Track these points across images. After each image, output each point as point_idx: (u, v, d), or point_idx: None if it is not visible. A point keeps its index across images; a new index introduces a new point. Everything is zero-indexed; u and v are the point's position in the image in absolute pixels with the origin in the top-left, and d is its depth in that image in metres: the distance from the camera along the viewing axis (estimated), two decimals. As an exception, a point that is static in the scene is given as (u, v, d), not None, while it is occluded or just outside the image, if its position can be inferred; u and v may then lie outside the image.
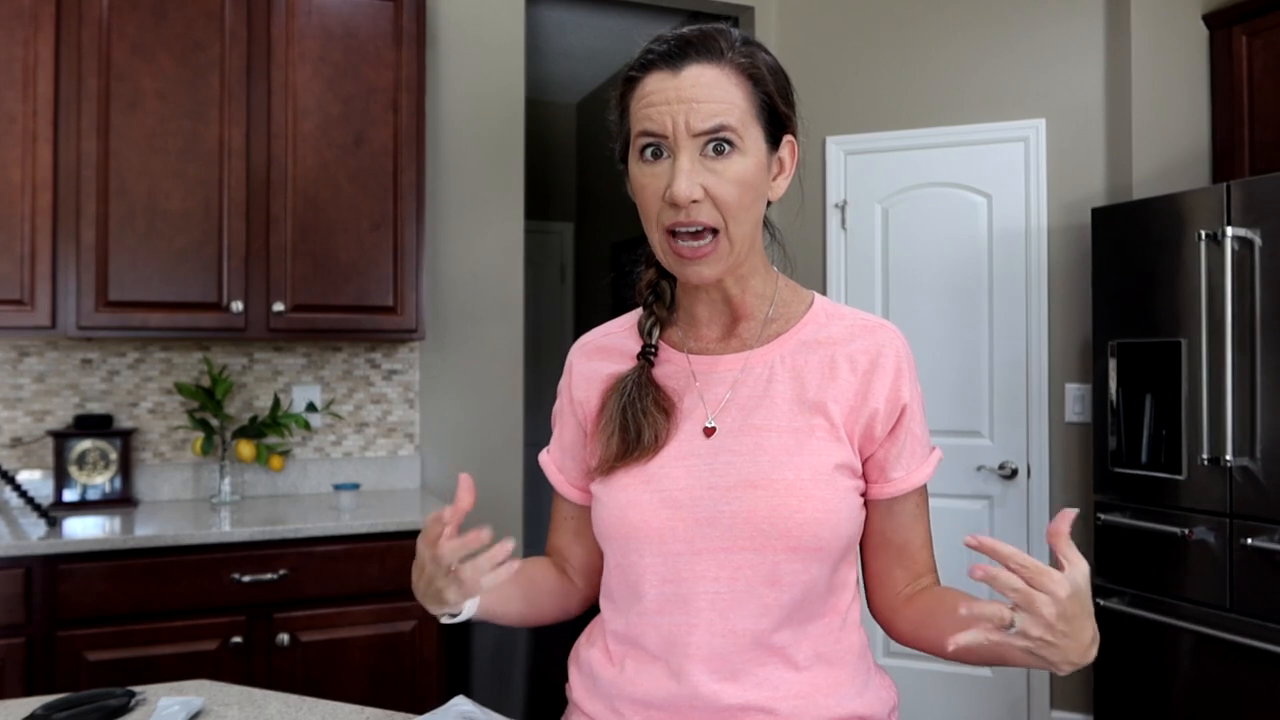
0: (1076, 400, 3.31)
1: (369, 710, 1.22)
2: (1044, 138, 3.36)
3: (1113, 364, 3.01)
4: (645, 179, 0.99)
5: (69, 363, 2.85)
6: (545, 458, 1.20)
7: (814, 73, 3.69)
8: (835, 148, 3.63)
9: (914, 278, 3.53)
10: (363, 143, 2.85)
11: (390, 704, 2.55)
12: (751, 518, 0.98)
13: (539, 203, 5.74)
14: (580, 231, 5.83)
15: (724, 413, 1.04)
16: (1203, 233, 2.69)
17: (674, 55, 0.97)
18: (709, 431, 1.04)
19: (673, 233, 0.98)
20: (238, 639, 2.41)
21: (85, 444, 2.76)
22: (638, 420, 1.04)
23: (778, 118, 1.01)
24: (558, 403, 1.19)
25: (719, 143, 0.95)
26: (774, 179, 1.04)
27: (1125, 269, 2.96)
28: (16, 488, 2.53)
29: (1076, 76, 3.34)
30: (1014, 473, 3.38)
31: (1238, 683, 2.60)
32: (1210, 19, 3.21)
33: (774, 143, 1.02)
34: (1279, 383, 2.52)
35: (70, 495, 2.73)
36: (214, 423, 2.93)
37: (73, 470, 2.74)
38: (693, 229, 0.97)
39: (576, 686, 1.13)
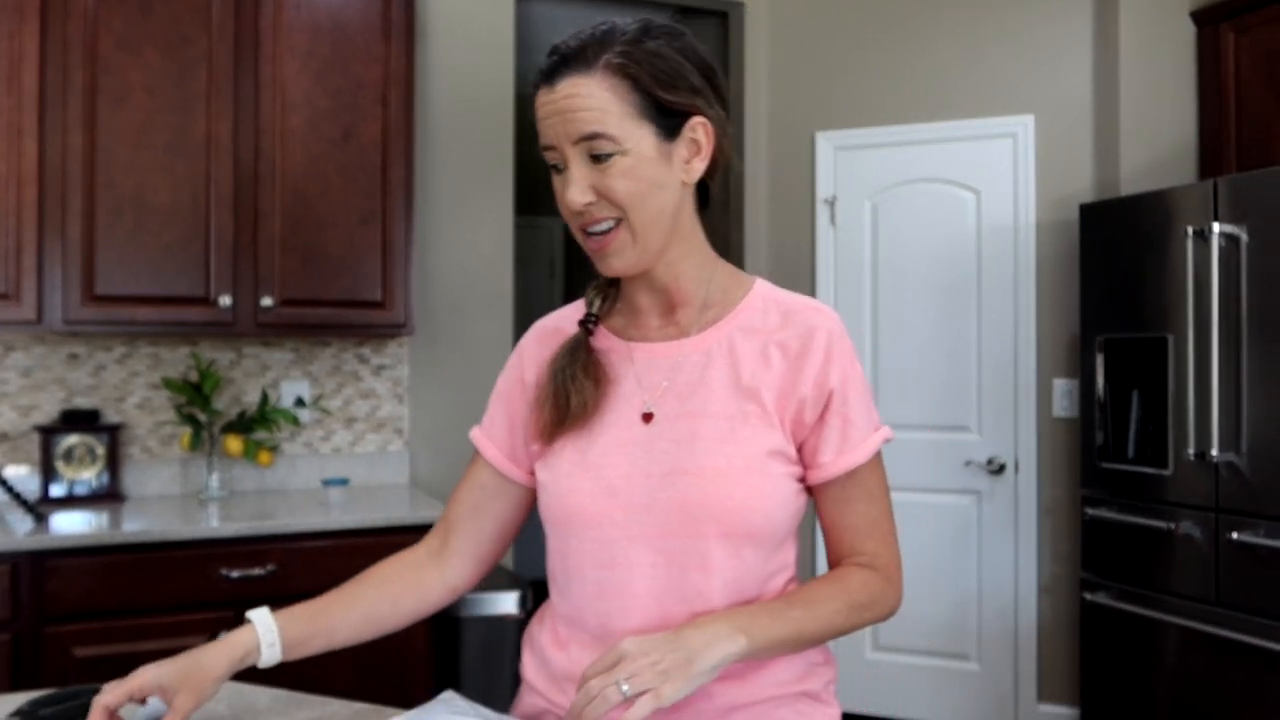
0: (1064, 395, 3.33)
1: (358, 704, 1.22)
2: (1033, 134, 3.37)
3: (1100, 359, 3.02)
4: (557, 185, 1.05)
5: (55, 357, 2.84)
6: (478, 433, 1.21)
7: (804, 68, 3.69)
8: (825, 143, 3.63)
9: (903, 273, 3.54)
10: (351, 137, 2.84)
11: (380, 698, 2.55)
12: (685, 504, 1.01)
13: (528, 197, 5.73)
14: (569, 226, 5.82)
15: (662, 399, 1.07)
16: (1190, 229, 2.70)
17: (551, 71, 1.01)
18: (647, 418, 1.07)
19: (584, 231, 1.04)
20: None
21: (72, 439, 2.74)
22: (566, 386, 1.08)
23: (667, 108, 1.02)
24: (503, 383, 1.20)
25: (598, 151, 1.00)
26: (687, 163, 1.05)
27: (1113, 265, 2.97)
28: (3, 483, 2.51)
29: (1065, 73, 3.35)
30: (1002, 468, 3.39)
31: (1223, 676, 2.62)
32: (1198, 16, 3.22)
33: (670, 132, 1.02)
34: (1265, 378, 2.54)
35: (57, 491, 2.72)
36: (202, 418, 2.92)
37: (60, 466, 2.72)
38: (599, 228, 1.02)
39: (529, 666, 1.16)
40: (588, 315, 1.13)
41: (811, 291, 3.66)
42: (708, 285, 1.11)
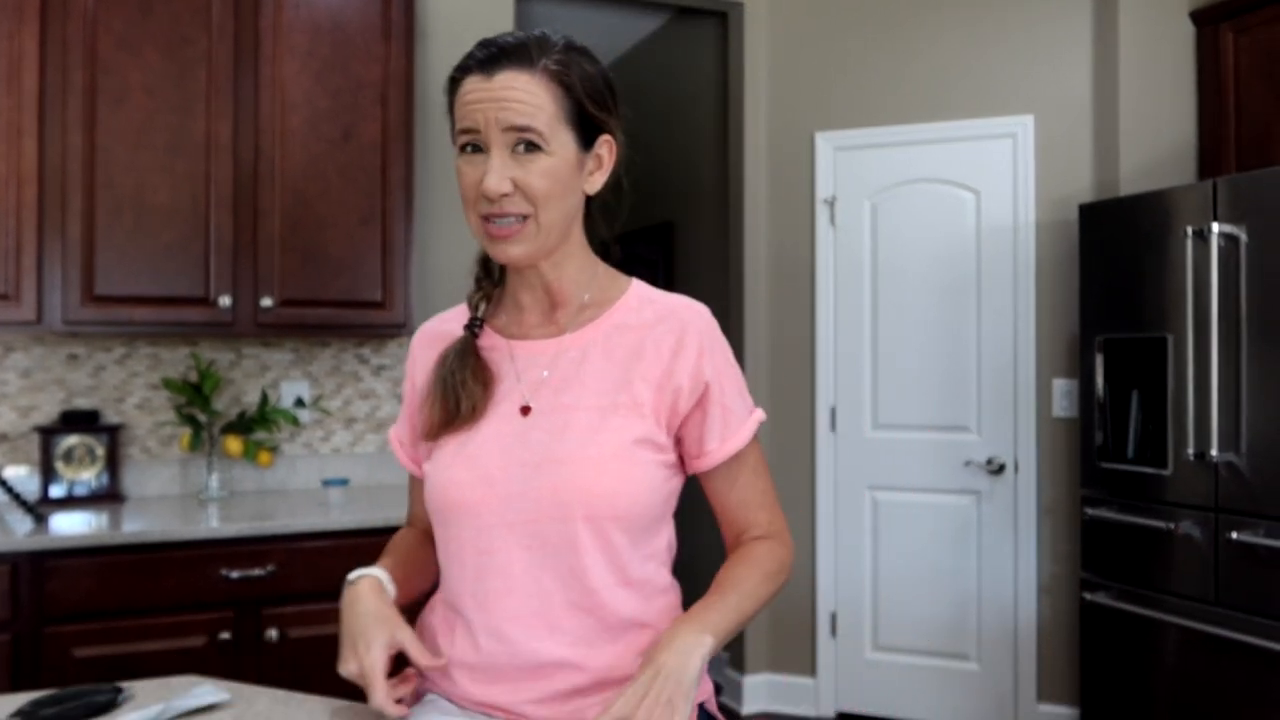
0: (1064, 395, 3.33)
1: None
2: (1032, 134, 3.37)
3: (1100, 359, 3.03)
4: (465, 169, 1.08)
5: (55, 358, 2.84)
6: (393, 435, 1.31)
7: (803, 69, 3.69)
8: (824, 144, 3.64)
9: (903, 273, 3.54)
10: (351, 137, 2.84)
11: (379, 699, 2.55)
12: (555, 490, 1.08)
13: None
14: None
15: (538, 393, 1.13)
16: (1189, 229, 2.70)
17: (489, 61, 1.06)
18: (525, 410, 1.13)
19: (486, 217, 1.09)
20: (226, 635, 2.41)
21: (72, 440, 2.74)
22: (456, 390, 1.14)
23: (589, 121, 1.10)
24: (404, 384, 1.28)
25: (526, 143, 1.05)
26: (590, 174, 1.13)
27: (1112, 265, 2.97)
28: (3, 484, 2.51)
29: (1065, 73, 3.35)
30: (1001, 468, 3.40)
31: (1222, 676, 2.62)
32: (1197, 16, 3.22)
33: (587, 143, 1.11)
34: (1264, 378, 2.54)
35: (57, 491, 2.72)
36: (202, 418, 2.92)
37: (59, 466, 2.72)
38: (506, 221, 1.07)
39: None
40: (472, 319, 1.19)
41: (811, 292, 3.66)
42: (588, 286, 1.18)
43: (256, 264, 2.74)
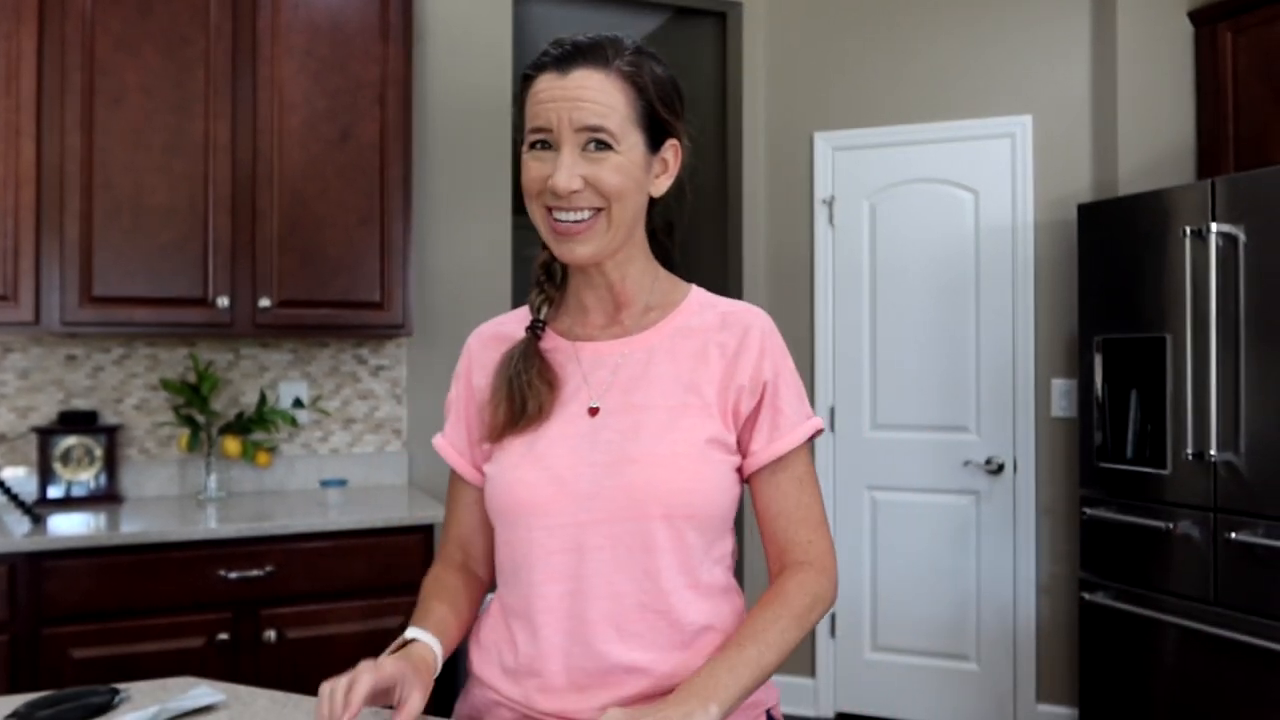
0: (1063, 395, 3.33)
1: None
2: (1031, 134, 3.37)
3: (1098, 359, 3.02)
4: (531, 164, 1.09)
5: (53, 359, 2.83)
6: (442, 441, 1.25)
7: (802, 68, 3.69)
8: (823, 144, 3.63)
9: (901, 273, 3.54)
10: (349, 137, 2.84)
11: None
12: (629, 490, 1.06)
13: (527, 198, 5.73)
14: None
15: (607, 394, 1.13)
16: (1188, 229, 2.70)
17: (564, 59, 1.07)
18: (593, 412, 1.12)
19: (550, 210, 1.08)
20: (224, 636, 2.40)
21: (70, 440, 2.74)
22: (523, 390, 1.12)
23: (659, 123, 1.11)
24: (454, 389, 1.25)
25: (597, 142, 1.05)
26: (656, 178, 1.14)
27: (1111, 265, 2.97)
28: (1, 485, 2.51)
29: (1063, 73, 3.35)
30: (1000, 468, 3.40)
31: (1221, 676, 2.62)
32: (1195, 16, 3.22)
33: (655, 145, 1.11)
34: (1263, 378, 2.54)
35: (55, 492, 2.71)
36: (200, 419, 2.92)
37: (57, 467, 2.72)
38: (575, 215, 1.07)
39: (477, 662, 1.18)
40: (535, 321, 1.18)
41: (810, 292, 3.66)
42: (650, 289, 1.18)
43: (255, 264, 2.74)
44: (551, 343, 1.18)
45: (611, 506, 1.07)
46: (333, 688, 0.96)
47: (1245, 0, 3.03)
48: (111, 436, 2.79)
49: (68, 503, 2.72)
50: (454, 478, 1.25)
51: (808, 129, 3.67)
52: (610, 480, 1.07)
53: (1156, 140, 3.24)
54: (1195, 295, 2.70)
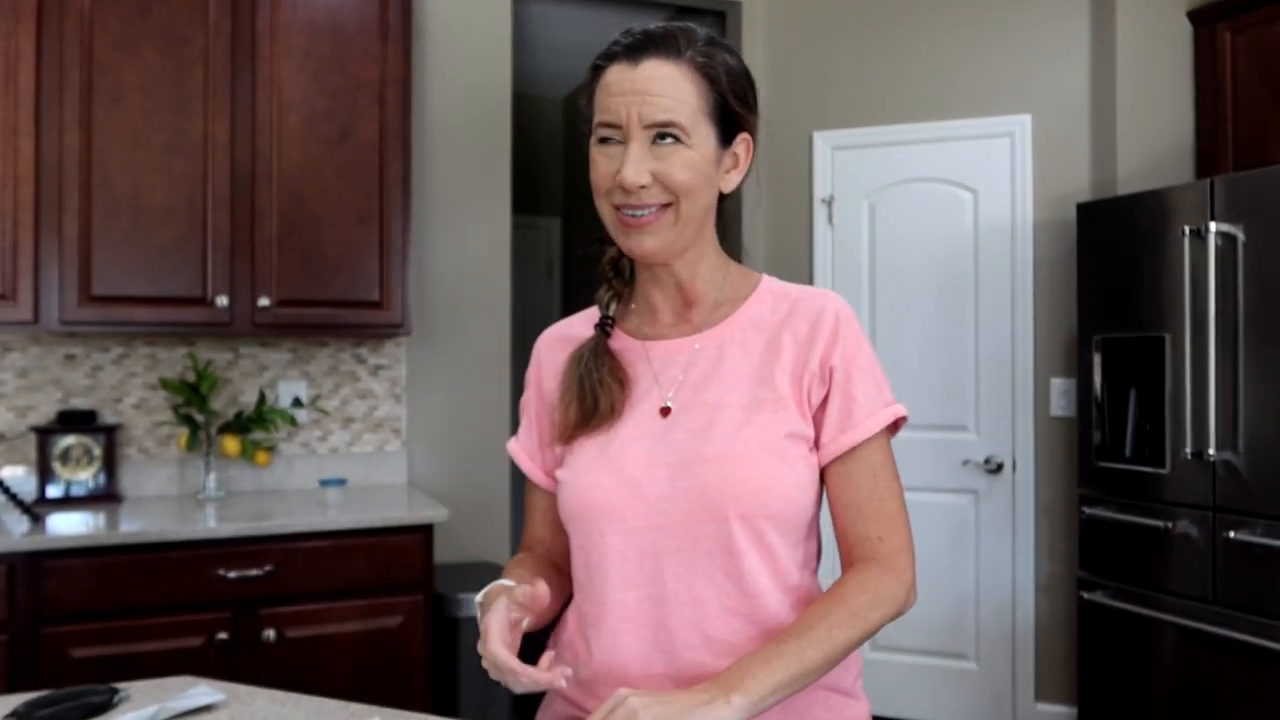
0: (1061, 395, 3.33)
1: (355, 705, 1.22)
2: (1030, 133, 3.37)
3: (1097, 359, 3.03)
4: (600, 159, 1.06)
5: (52, 358, 2.83)
6: (515, 446, 1.23)
7: (801, 68, 3.69)
8: (822, 143, 3.63)
9: (900, 273, 3.54)
10: (349, 137, 2.84)
11: (377, 699, 2.55)
12: (704, 490, 1.03)
13: (526, 197, 5.73)
14: (567, 226, 5.82)
15: (678, 393, 1.09)
16: (1187, 228, 2.70)
17: (635, 49, 1.03)
18: (665, 411, 1.09)
19: (619, 206, 1.05)
20: (223, 635, 2.40)
21: (69, 440, 2.74)
22: (594, 388, 1.10)
23: (731, 116, 1.07)
24: (526, 393, 1.23)
25: (669, 132, 1.02)
26: (727, 172, 1.10)
27: (1110, 264, 2.97)
28: (0, 484, 2.51)
29: (1062, 73, 3.35)
30: (999, 467, 3.40)
31: (1220, 674, 2.62)
32: (1194, 15, 3.22)
33: (727, 139, 1.08)
34: (1262, 377, 2.54)
35: (54, 491, 2.71)
36: (199, 418, 2.92)
37: (56, 466, 2.72)
38: (643, 211, 1.04)
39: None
40: (604, 318, 1.15)
41: (809, 291, 3.65)
42: (720, 286, 1.14)
43: (254, 264, 2.74)
44: (620, 342, 1.15)
45: (686, 509, 1.03)
46: (493, 660, 0.95)
47: (1244, 0, 3.03)
48: (110, 436, 2.79)
49: (67, 502, 2.72)
50: (529, 482, 1.23)
51: (807, 128, 3.67)
52: (684, 481, 1.04)
53: (1155, 140, 3.24)
54: (1194, 295, 2.70)
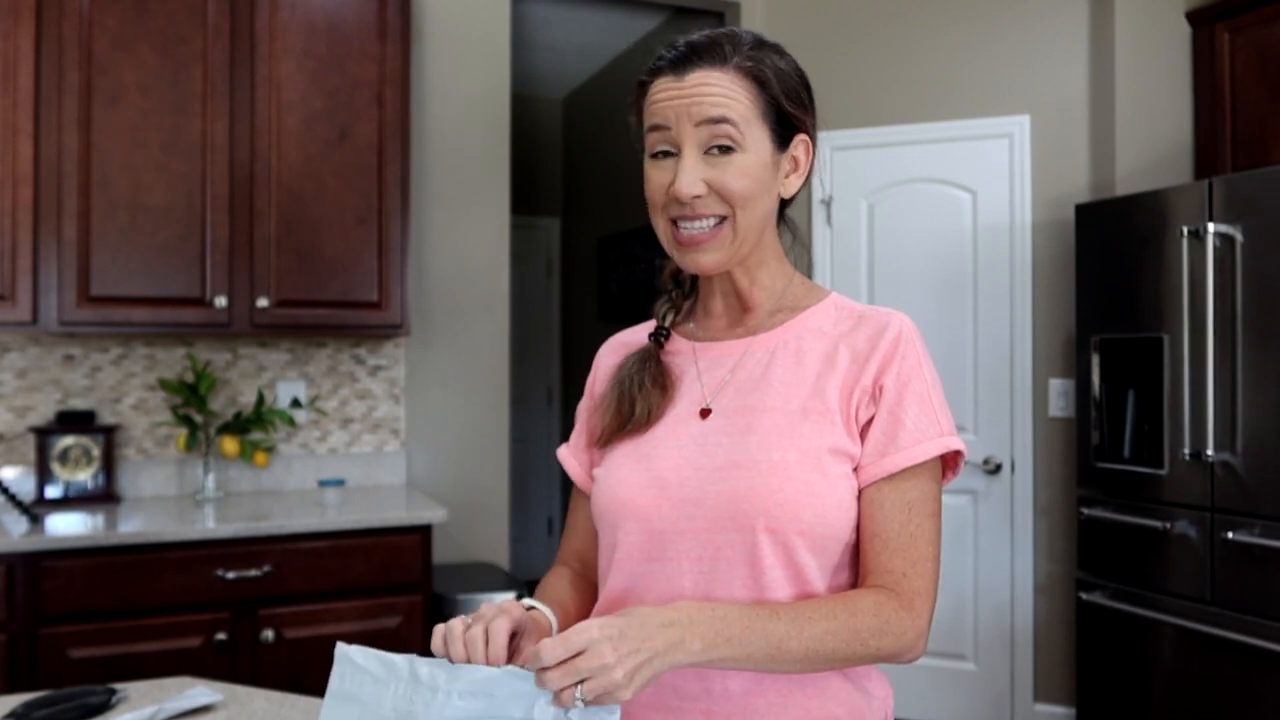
0: (1060, 395, 3.33)
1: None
2: (1028, 134, 3.37)
3: (1096, 359, 3.03)
4: (653, 173, 1.03)
5: (51, 358, 2.83)
6: (564, 451, 1.22)
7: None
8: (821, 144, 3.63)
9: (899, 273, 3.54)
10: (347, 137, 2.84)
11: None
12: (734, 497, 0.98)
13: (525, 197, 5.73)
14: (566, 226, 5.82)
15: (721, 394, 1.06)
16: (1185, 229, 2.70)
17: (679, 61, 1.01)
18: (705, 413, 1.05)
19: (675, 221, 1.03)
20: (222, 635, 2.40)
21: (68, 440, 2.74)
22: (633, 394, 1.08)
23: (786, 118, 1.04)
24: (584, 400, 1.22)
25: (719, 146, 0.99)
26: (786, 177, 1.07)
27: (1108, 265, 2.98)
28: (-2, 484, 2.51)
29: (1061, 73, 3.35)
30: (998, 468, 3.40)
31: (1218, 675, 2.62)
32: (1193, 16, 3.23)
33: (783, 142, 1.05)
34: (1260, 378, 2.54)
35: (53, 492, 2.71)
36: (198, 419, 2.92)
37: (55, 467, 2.72)
38: (700, 224, 1.01)
39: None
40: (658, 329, 1.14)
41: (808, 291, 3.66)
42: (781, 293, 1.12)
43: (252, 264, 2.74)
44: (674, 345, 1.14)
45: (714, 514, 0.98)
46: (471, 635, 0.86)
47: (1242, 0, 3.03)
48: (109, 436, 2.79)
49: (65, 502, 2.72)
50: (574, 492, 1.21)
51: (806, 129, 3.67)
52: (714, 486, 0.99)
53: (1154, 140, 3.25)
54: (1192, 295, 2.70)
